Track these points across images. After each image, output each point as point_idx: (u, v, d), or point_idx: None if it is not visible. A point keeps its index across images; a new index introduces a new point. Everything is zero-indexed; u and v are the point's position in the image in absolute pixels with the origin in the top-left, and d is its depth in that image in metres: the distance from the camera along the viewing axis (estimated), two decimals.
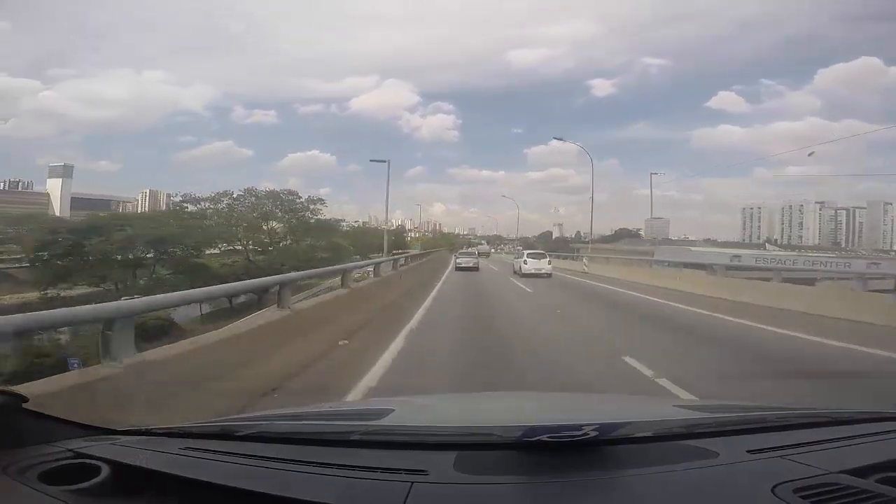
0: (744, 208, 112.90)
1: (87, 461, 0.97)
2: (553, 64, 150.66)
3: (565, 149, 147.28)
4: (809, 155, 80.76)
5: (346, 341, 5.90)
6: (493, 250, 77.54)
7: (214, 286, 5.03)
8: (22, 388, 1.52)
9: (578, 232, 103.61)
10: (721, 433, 1.15)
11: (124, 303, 2.96)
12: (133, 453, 1.03)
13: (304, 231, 33.61)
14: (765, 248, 63.65)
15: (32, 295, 22.17)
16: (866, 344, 6.29)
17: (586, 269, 23.30)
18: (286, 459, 0.98)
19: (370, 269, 11.20)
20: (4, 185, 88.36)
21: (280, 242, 33.02)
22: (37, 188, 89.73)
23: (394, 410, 1.52)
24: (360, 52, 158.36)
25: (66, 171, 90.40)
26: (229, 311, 20.58)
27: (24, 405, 1.02)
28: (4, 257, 28.57)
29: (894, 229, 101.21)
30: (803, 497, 0.83)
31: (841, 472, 0.92)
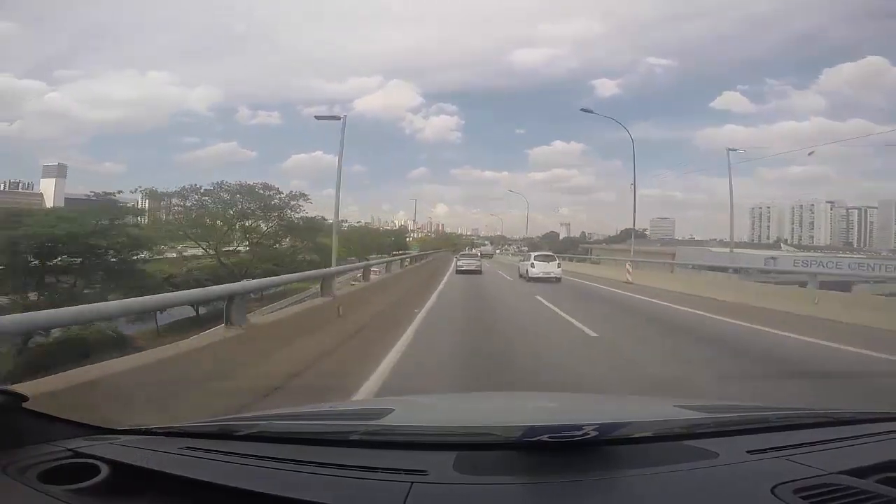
0: (752, 208, 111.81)
1: (87, 461, 0.97)
2: (557, 64, 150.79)
3: (569, 149, 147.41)
4: (809, 154, 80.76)
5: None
6: (497, 251, 76.90)
7: (133, 299, 3.27)
8: (22, 388, 1.52)
9: (583, 232, 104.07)
10: (721, 433, 1.15)
11: None
12: (133, 453, 1.03)
13: (285, 230, 30.27)
14: (780, 249, 60.84)
15: None
16: None
17: (630, 278, 17.50)
18: (286, 459, 0.98)
19: (360, 273, 9.71)
20: (4, 186, 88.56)
21: (258, 243, 29.67)
22: (37, 189, 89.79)
23: (393, 410, 1.52)
24: (364, 53, 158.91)
25: (59, 171, 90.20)
26: (193, 321, 18.85)
27: (24, 405, 1.02)
28: None
29: None
30: (803, 497, 0.83)
31: (841, 472, 0.92)
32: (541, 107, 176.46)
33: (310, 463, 0.96)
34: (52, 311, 2.62)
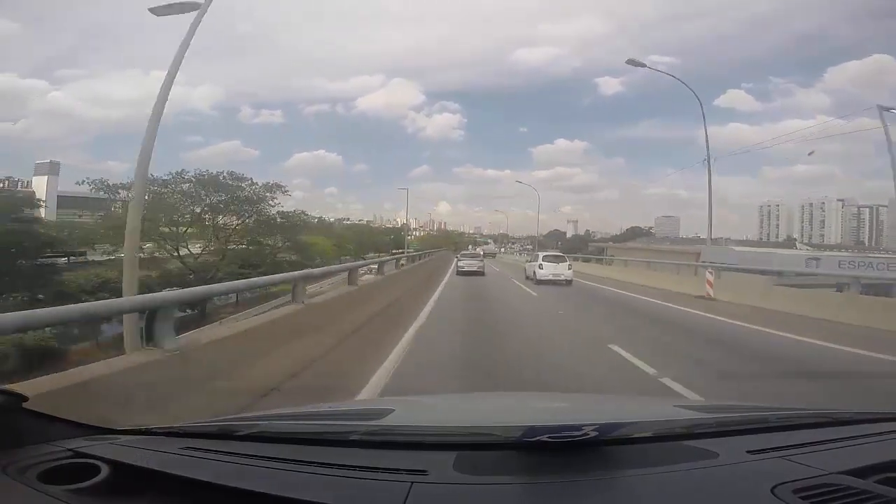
0: (761, 206, 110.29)
1: (87, 461, 0.97)
2: (559, 62, 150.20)
3: (572, 147, 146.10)
4: (810, 154, 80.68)
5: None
6: (501, 250, 75.98)
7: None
8: (21, 388, 1.52)
9: (588, 230, 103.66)
10: (721, 433, 1.15)
11: None
12: (133, 453, 1.02)
13: (261, 228, 26.76)
14: (794, 248, 57.94)
15: None
16: None
17: (711, 292, 12.34)
18: (286, 459, 0.98)
19: (345, 275, 8.26)
20: (3, 185, 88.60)
21: (226, 241, 26.20)
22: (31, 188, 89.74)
23: (394, 410, 1.52)
24: (367, 52, 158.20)
25: (52, 168, 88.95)
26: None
27: (24, 405, 1.02)
28: None
29: None
30: (803, 497, 0.83)
31: (841, 472, 0.92)
32: (543, 105, 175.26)
33: (310, 463, 0.96)
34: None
